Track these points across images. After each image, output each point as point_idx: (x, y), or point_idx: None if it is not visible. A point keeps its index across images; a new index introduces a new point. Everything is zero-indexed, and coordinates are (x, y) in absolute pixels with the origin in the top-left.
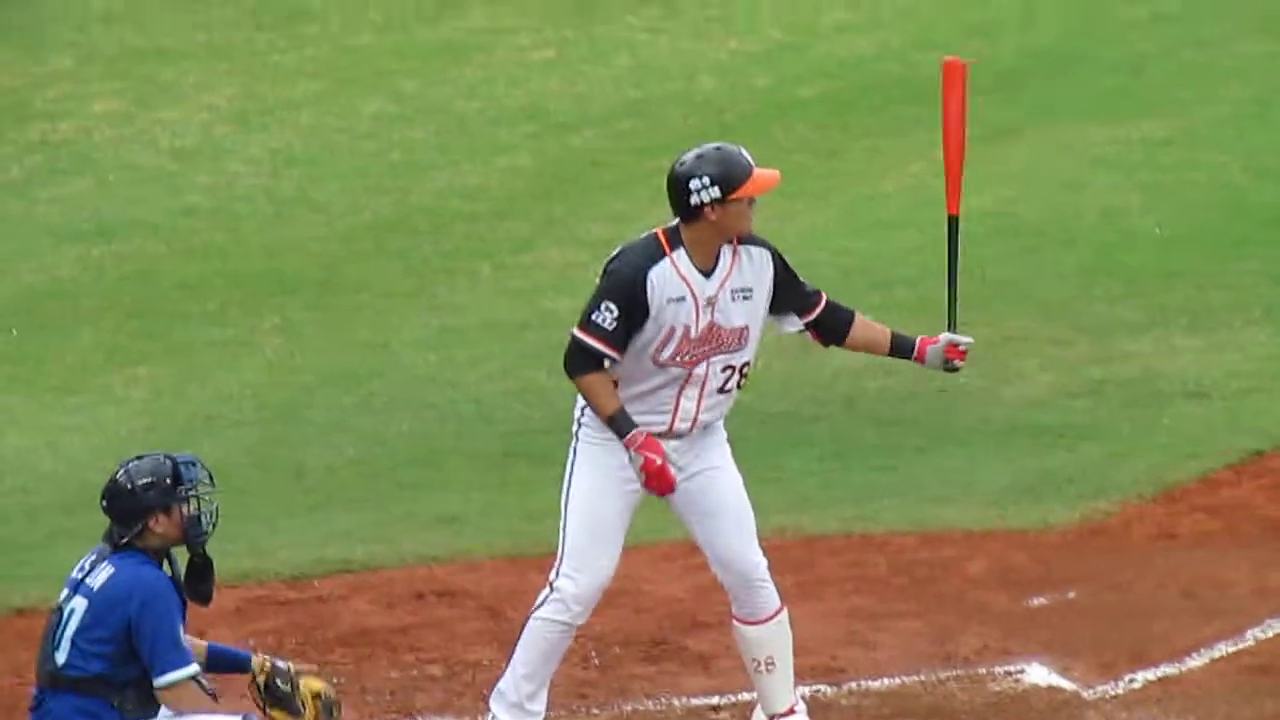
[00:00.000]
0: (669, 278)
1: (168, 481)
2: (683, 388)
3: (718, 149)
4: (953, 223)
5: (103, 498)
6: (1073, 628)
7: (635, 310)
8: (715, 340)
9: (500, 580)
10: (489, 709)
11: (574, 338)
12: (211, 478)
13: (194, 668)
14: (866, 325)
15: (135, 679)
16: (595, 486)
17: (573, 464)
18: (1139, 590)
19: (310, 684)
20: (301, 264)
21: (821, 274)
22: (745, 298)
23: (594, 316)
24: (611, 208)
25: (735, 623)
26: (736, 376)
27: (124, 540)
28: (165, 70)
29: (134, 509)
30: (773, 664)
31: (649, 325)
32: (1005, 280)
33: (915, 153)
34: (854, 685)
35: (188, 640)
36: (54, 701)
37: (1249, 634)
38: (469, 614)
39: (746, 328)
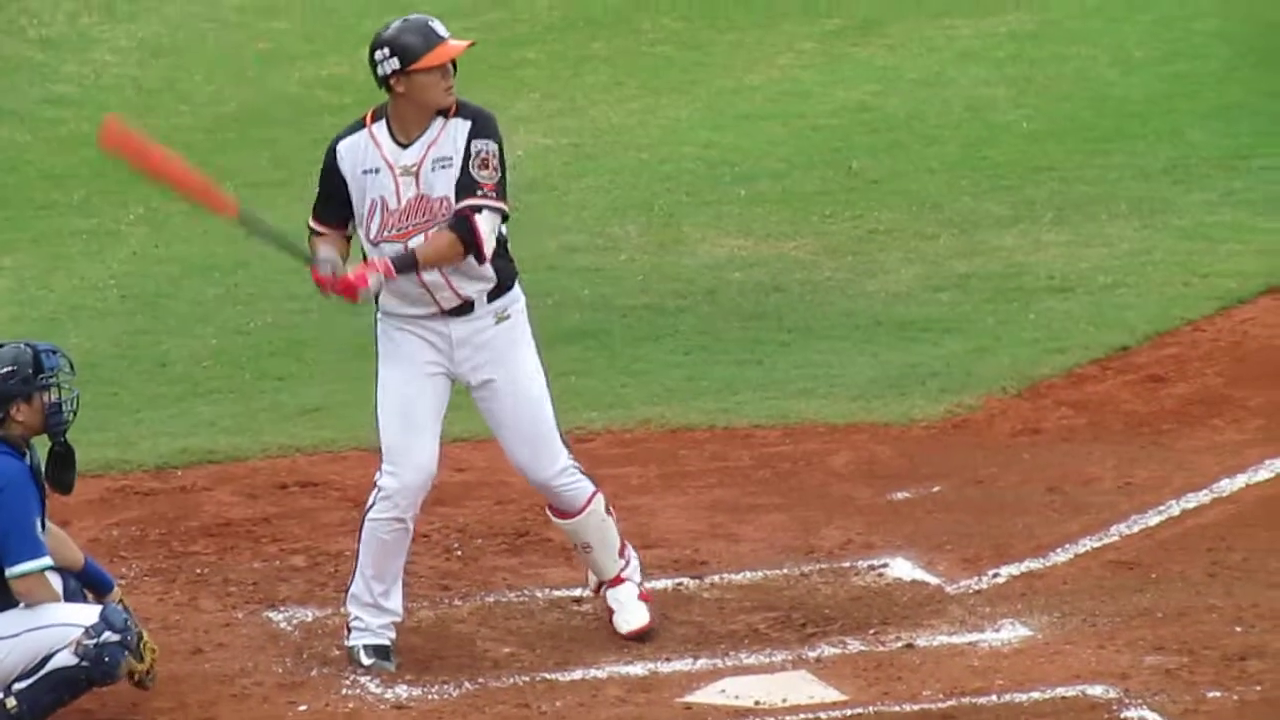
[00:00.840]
0: (362, 149)
1: (29, 370)
2: None
3: (405, 20)
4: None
5: None
6: (936, 522)
7: (331, 181)
8: (425, 211)
9: (363, 471)
10: (350, 614)
11: None
12: (72, 366)
13: (47, 560)
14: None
15: None
16: (398, 376)
17: (377, 358)
18: (1003, 485)
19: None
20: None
21: (687, 167)
22: (444, 167)
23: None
24: (476, 97)
25: (549, 513)
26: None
27: None
28: None
29: None
30: (589, 548)
31: (354, 198)
32: (871, 175)
33: (781, 45)
34: (716, 579)
35: (53, 534)
36: None
37: (1113, 529)
38: (331, 504)
39: (448, 198)
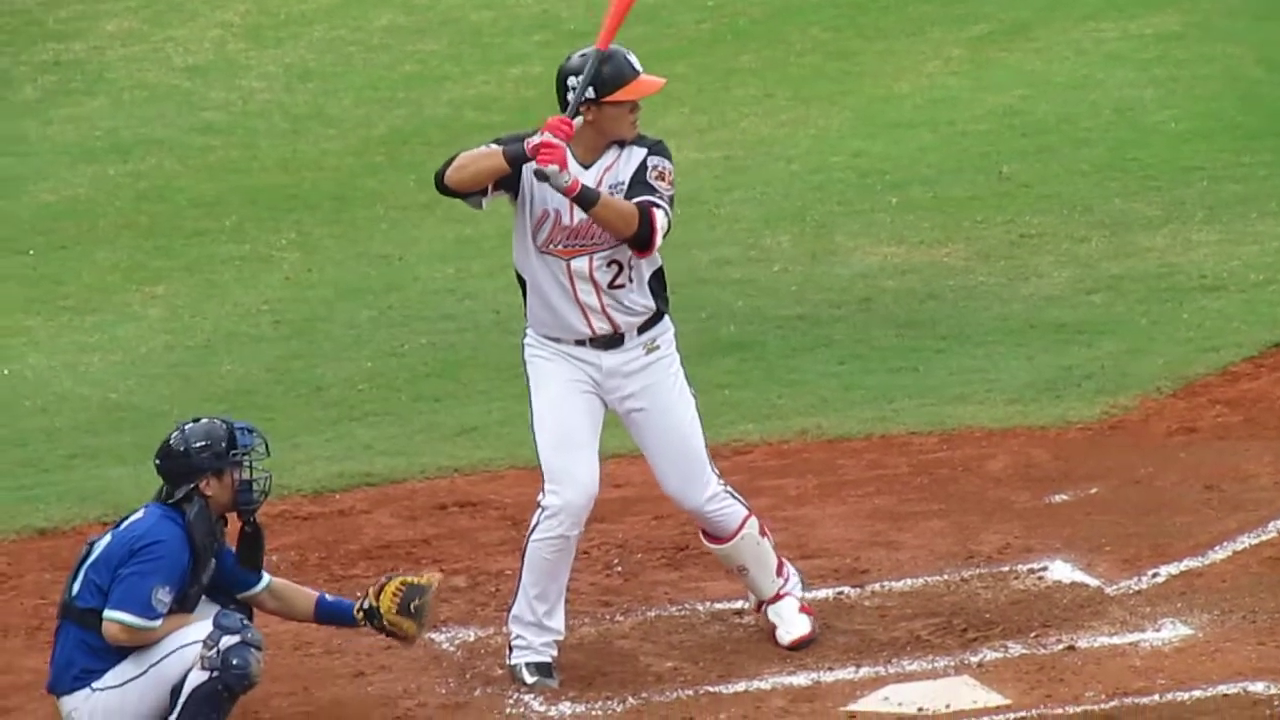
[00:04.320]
0: None
1: (222, 445)
2: (573, 283)
3: (605, 51)
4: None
5: (155, 457)
6: (1094, 524)
7: (513, 176)
8: (594, 235)
9: (521, 490)
10: (511, 634)
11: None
12: (267, 446)
13: (148, 623)
14: None
15: None
16: (552, 398)
17: (528, 383)
18: (1160, 485)
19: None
20: (317, 179)
21: (837, 177)
22: (618, 192)
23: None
24: None
25: (702, 538)
26: (628, 271)
27: (173, 500)
28: None
29: (185, 470)
30: (745, 570)
31: (524, 198)
32: (1021, 179)
33: (930, 52)
34: (877, 586)
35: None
36: (64, 631)
37: (1271, 526)
38: (491, 524)
39: None
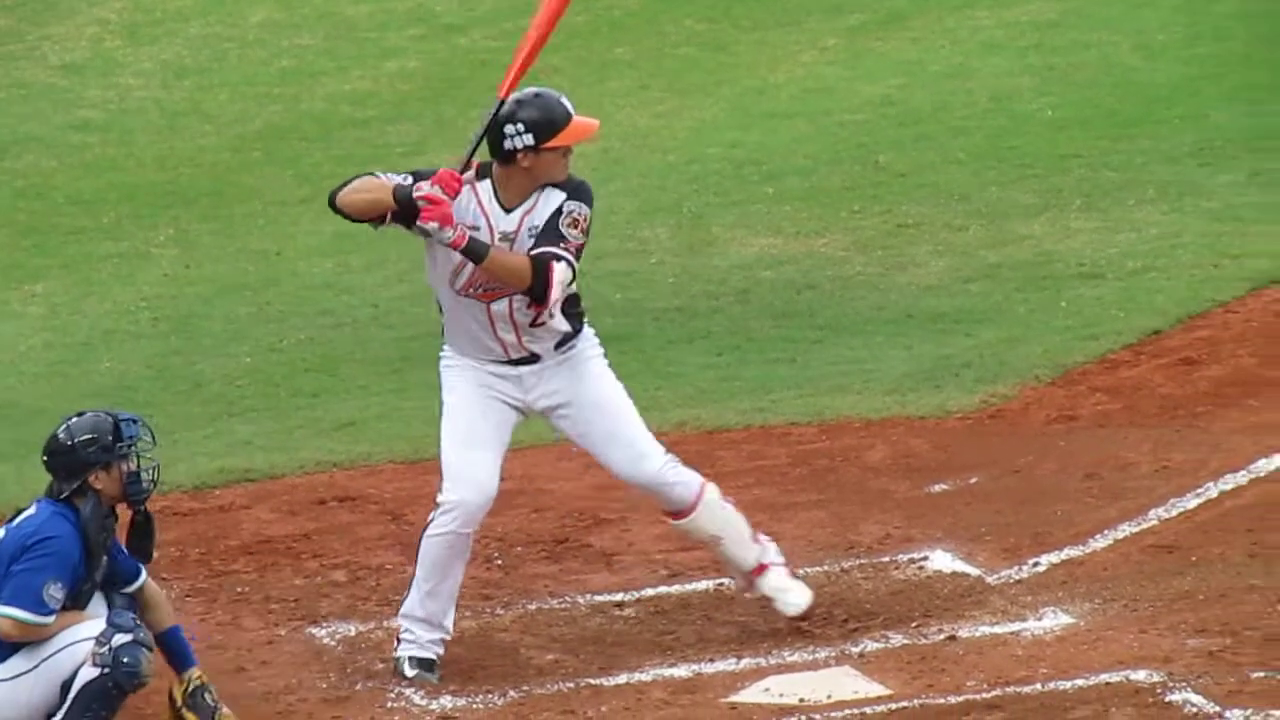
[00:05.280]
0: (465, 201)
1: (109, 439)
2: (493, 323)
3: (537, 95)
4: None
5: (43, 453)
6: (975, 513)
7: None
8: None
9: (401, 484)
10: (401, 626)
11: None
12: (153, 436)
13: (39, 619)
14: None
15: None
16: (461, 402)
17: (441, 389)
18: (1040, 473)
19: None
20: (194, 175)
21: (714, 168)
22: (535, 235)
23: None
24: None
25: (669, 521)
26: (547, 314)
27: (63, 496)
28: None
29: (74, 465)
30: (719, 539)
31: (433, 242)
32: (898, 169)
33: (805, 43)
34: None
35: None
36: None
37: (1152, 514)
38: (370, 518)
39: None
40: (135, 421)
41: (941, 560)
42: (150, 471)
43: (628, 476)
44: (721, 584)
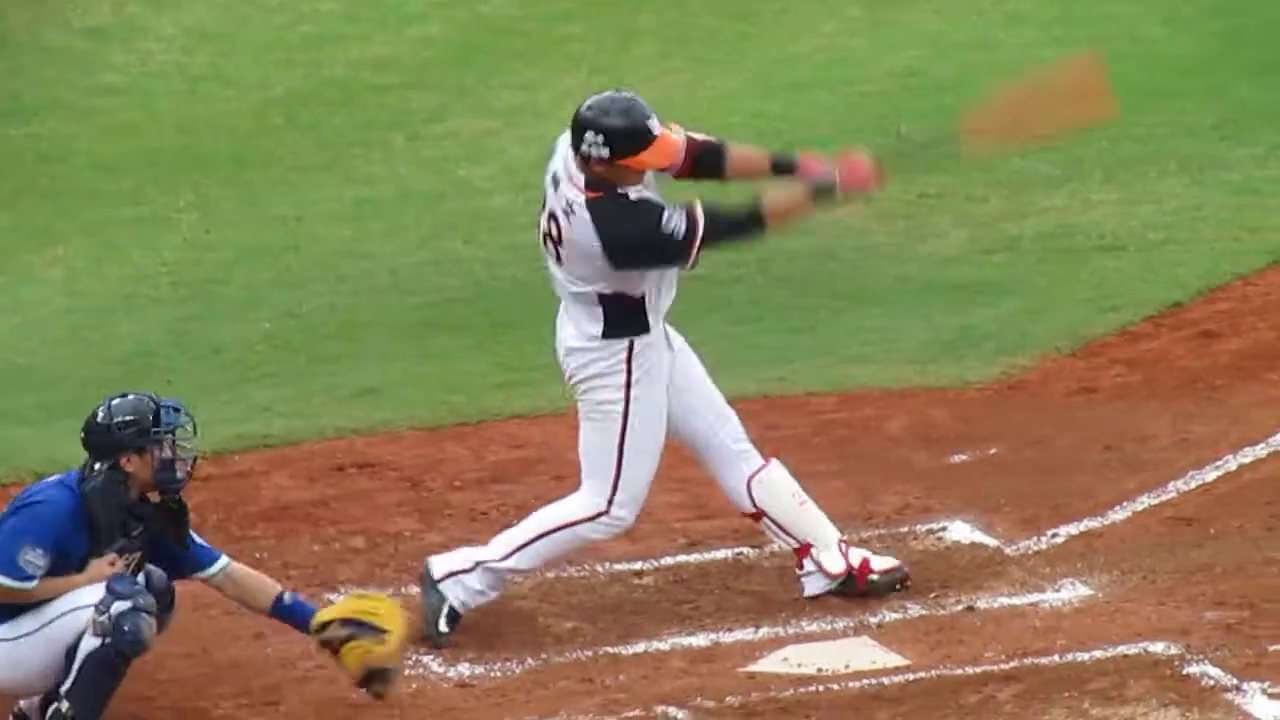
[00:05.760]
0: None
1: (147, 421)
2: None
3: (627, 107)
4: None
5: (82, 429)
6: (994, 484)
7: None
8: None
9: (420, 451)
10: (469, 565)
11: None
12: (195, 426)
13: (17, 584)
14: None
15: None
16: (657, 408)
17: (627, 405)
18: (1060, 445)
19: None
20: (215, 140)
21: (735, 137)
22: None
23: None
24: (523, 75)
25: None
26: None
27: (92, 473)
28: None
29: (107, 445)
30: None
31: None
32: (919, 139)
33: (828, 13)
34: (776, 548)
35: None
36: None
37: (1170, 486)
38: (389, 485)
39: None
40: (178, 410)
41: (960, 531)
42: (187, 463)
43: (711, 430)
44: (740, 553)
